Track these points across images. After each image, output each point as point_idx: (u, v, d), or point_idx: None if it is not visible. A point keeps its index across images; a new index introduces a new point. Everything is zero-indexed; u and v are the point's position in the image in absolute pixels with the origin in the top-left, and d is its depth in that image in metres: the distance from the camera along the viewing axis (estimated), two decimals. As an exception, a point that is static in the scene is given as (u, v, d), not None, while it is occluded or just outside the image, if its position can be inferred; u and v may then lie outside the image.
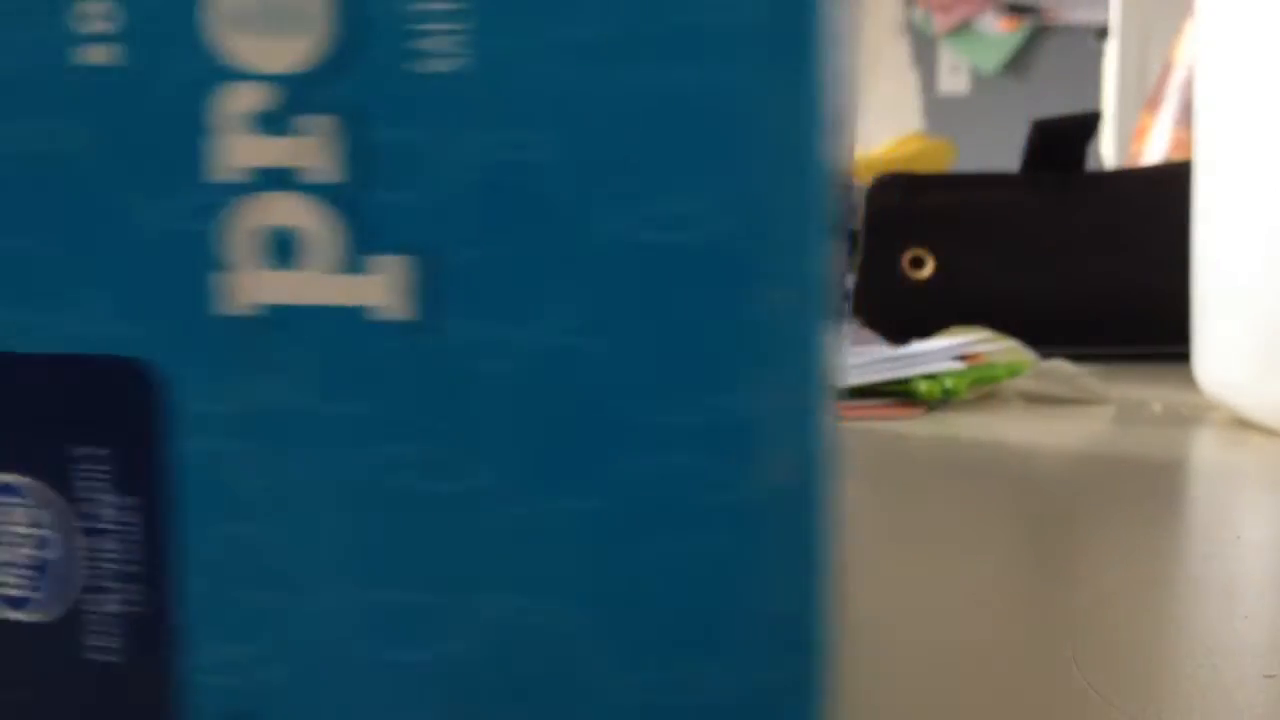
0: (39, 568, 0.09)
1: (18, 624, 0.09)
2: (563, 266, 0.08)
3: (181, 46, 0.08)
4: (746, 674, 0.08)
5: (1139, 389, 0.30)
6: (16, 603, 0.09)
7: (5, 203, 0.09)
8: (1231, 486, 0.20)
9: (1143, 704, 0.11)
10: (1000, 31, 1.99)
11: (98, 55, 0.09)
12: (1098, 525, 0.17)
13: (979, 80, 2.00)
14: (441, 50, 0.08)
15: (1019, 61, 1.98)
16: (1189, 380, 0.31)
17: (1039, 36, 1.98)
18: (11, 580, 0.09)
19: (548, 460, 0.09)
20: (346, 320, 0.09)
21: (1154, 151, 0.50)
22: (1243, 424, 0.25)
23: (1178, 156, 0.49)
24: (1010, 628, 0.13)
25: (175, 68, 0.09)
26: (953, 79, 2.03)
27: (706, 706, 0.09)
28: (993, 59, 1.98)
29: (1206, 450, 0.23)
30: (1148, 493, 0.19)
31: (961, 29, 2.00)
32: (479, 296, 0.08)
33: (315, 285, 0.09)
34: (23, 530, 0.09)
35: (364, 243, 0.09)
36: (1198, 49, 0.25)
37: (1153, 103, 0.51)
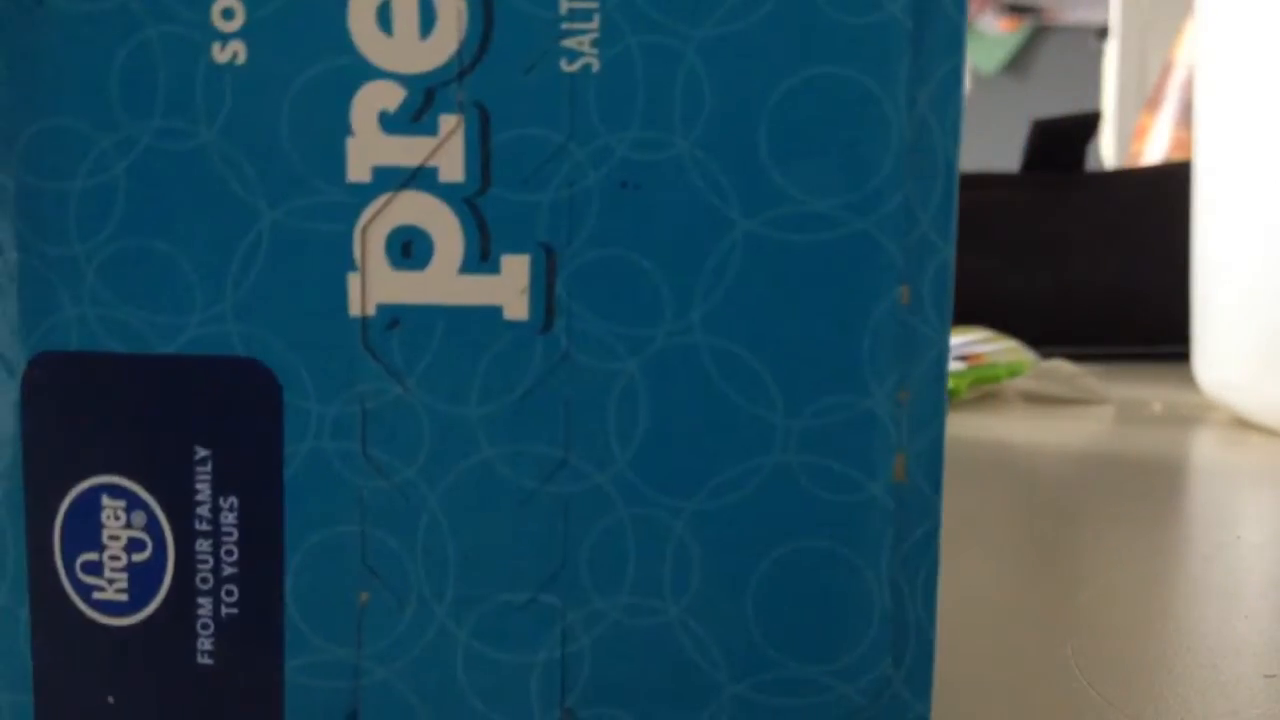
0: (148, 571, 0.09)
1: (123, 627, 0.09)
2: (691, 266, 0.08)
3: (315, 45, 0.08)
4: (864, 673, 0.08)
5: (1139, 389, 0.30)
6: (118, 608, 0.09)
7: (134, 202, 0.09)
8: (1231, 486, 0.20)
9: (1143, 704, 0.11)
10: (1000, 31, 1.99)
11: (230, 53, 0.09)
12: (1098, 525, 0.17)
13: (979, 80, 2.00)
14: (576, 51, 0.08)
15: (1019, 61, 1.98)
16: (1189, 380, 0.31)
17: (1039, 36, 1.98)
18: (115, 584, 0.09)
19: (669, 460, 0.08)
20: (470, 320, 0.09)
21: (1154, 151, 0.50)
22: (1243, 424, 0.25)
23: (1178, 156, 0.49)
24: (1010, 627, 0.13)
25: (308, 66, 0.08)
26: (953, 78, 2.02)
27: (822, 705, 0.08)
28: (993, 59, 1.98)
29: (1206, 450, 0.23)
30: (1148, 493, 0.19)
31: (962, 28, 1.99)
32: (605, 295, 0.08)
33: (440, 286, 0.09)
34: (132, 534, 0.09)
35: (492, 243, 0.08)
36: (1198, 49, 0.25)
37: (1153, 103, 0.52)
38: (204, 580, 0.10)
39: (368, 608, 0.09)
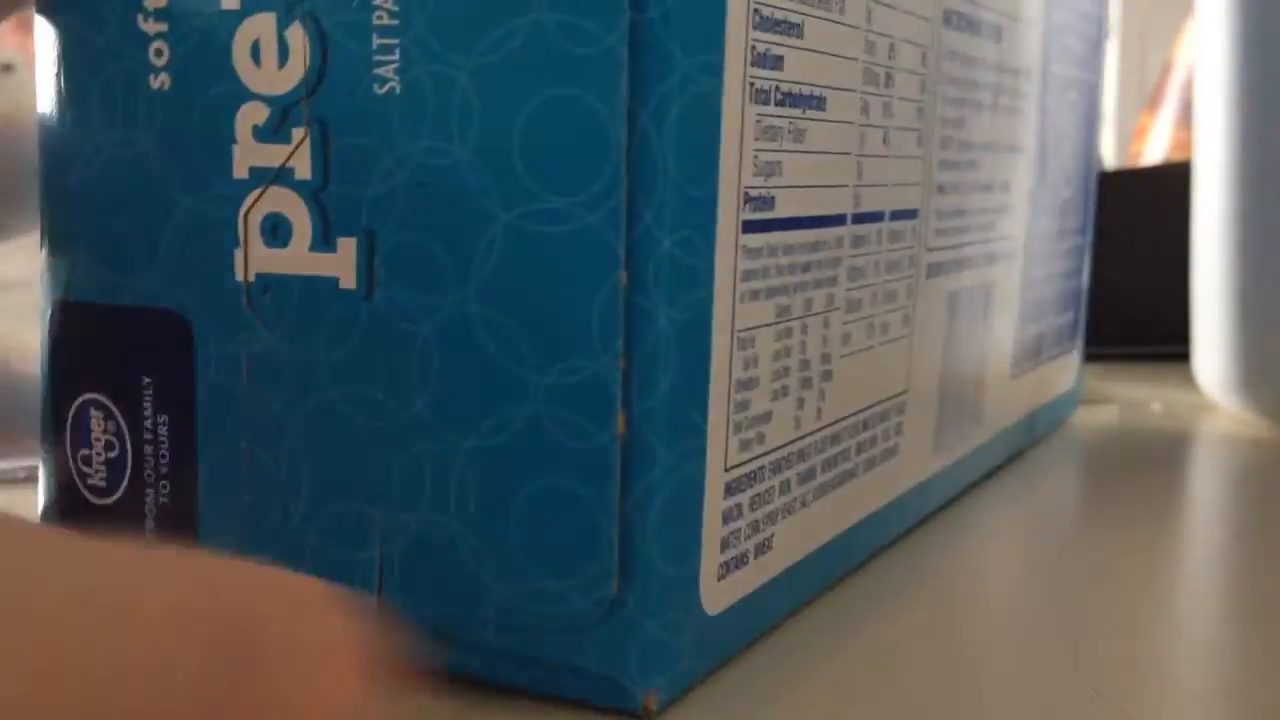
0: (117, 466, 0.11)
1: (101, 506, 0.11)
2: (469, 250, 0.09)
3: (211, 75, 0.10)
4: (594, 590, 0.09)
5: (1139, 389, 0.28)
6: (100, 491, 0.11)
7: (98, 193, 0.11)
8: (1231, 486, 0.18)
9: (1142, 704, 0.10)
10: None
11: (160, 82, 0.10)
12: (1097, 525, 0.16)
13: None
14: (385, 78, 0.09)
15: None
16: (1189, 380, 0.29)
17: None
18: (99, 473, 0.11)
19: (455, 406, 0.09)
20: (317, 288, 0.10)
21: (1154, 151, 0.46)
22: (1242, 424, 0.24)
23: (1178, 156, 0.45)
24: (1008, 627, 0.12)
25: (208, 90, 0.10)
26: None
27: (566, 615, 0.09)
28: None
29: (1206, 450, 0.21)
30: (1148, 492, 0.17)
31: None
32: (408, 271, 0.10)
33: (297, 260, 0.10)
34: (104, 436, 0.11)
35: (331, 228, 0.10)
36: (1197, 49, 0.23)
37: (1153, 103, 0.47)
38: (149, 476, 0.12)
39: (252, 507, 0.11)
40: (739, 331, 0.10)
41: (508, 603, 0.10)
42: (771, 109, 0.10)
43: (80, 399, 0.12)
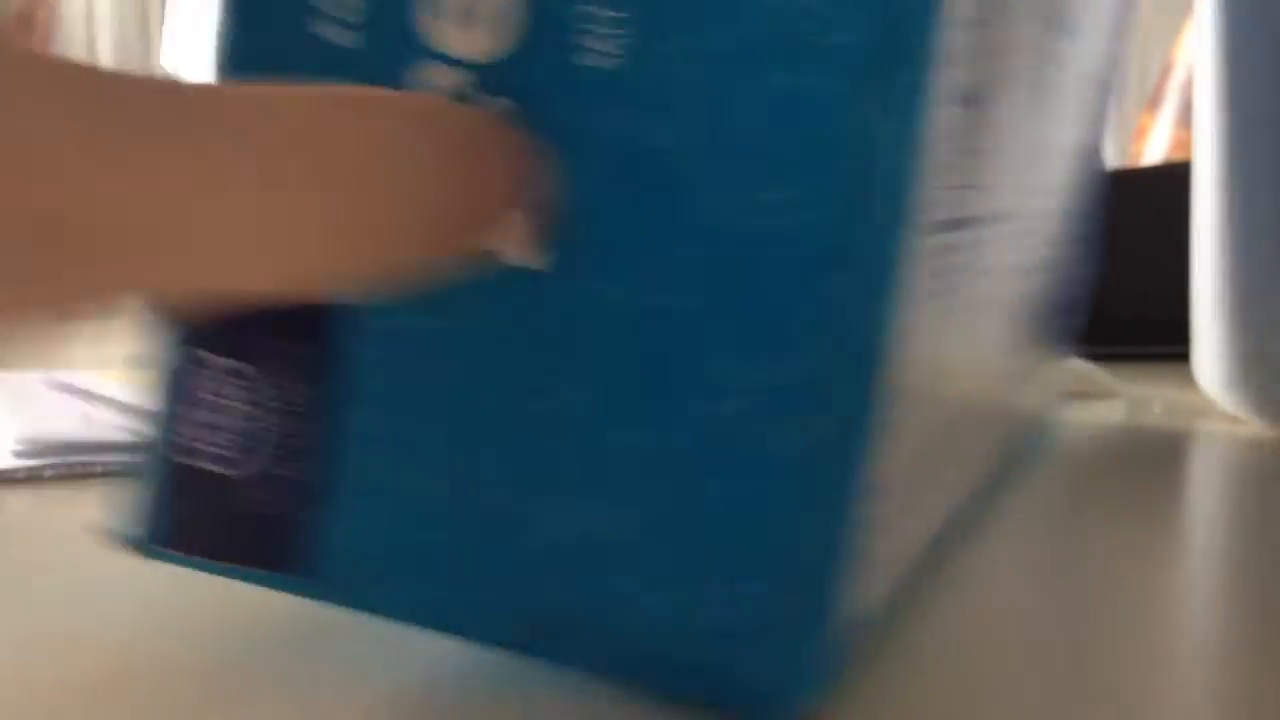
0: (249, 436, 0.10)
1: (224, 476, 0.10)
2: (670, 237, 0.09)
3: (399, 34, 0.09)
4: (761, 603, 0.09)
5: (1139, 388, 0.28)
6: (227, 461, 0.10)
7: None
8: (1231, 486, 0.18)
9: (1141, 703, 0.10)
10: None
11: (344, 38, 0.10)
12: (1096, 526, 0.16)
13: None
14: (595, 50, 0.09)
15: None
16: (1189, 380, 0.29)
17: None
18: (226, 443, 0.10)
19: (630, 397, 0.09)
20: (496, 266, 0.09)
21: (1154, 151, 0.48)
22: (1241, 423, 0.24)
23: (1178, 156, 0.47)
24: (1007, 625, 0.12)
25: (394, 50, 0.09)
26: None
27: (724, 625, 0.09)
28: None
29: (1206, 450, 0.21)
30: (1147, 492, 0.17)
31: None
32: (598, 256, 0.09)
33: None
34: (241, 406, 0.10)
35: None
36: (1197, 49, 0.24)
37: (1153, 103, 0.49)
38: (286, 448, 0.10)
39: (396, 487, 0.10)
40: (916, 332, 0.10)
41: (667, 605, 0.09)
42: (955, 109, 0.10)
43: (222, 364, 0.11)
